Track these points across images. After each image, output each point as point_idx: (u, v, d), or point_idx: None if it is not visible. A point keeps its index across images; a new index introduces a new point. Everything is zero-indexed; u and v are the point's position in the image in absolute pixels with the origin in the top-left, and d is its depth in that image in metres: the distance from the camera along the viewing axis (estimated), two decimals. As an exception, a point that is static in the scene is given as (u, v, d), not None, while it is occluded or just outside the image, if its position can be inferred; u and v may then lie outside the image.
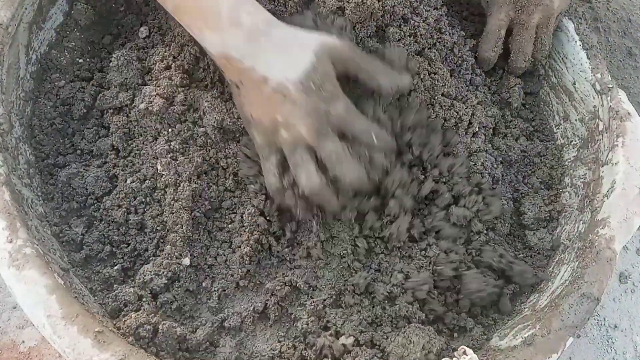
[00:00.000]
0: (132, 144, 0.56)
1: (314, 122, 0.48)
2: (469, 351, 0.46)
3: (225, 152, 0.54)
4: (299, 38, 0.50)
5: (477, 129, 0.59)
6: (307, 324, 0.50)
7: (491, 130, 0.62)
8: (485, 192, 0.57)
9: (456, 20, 0.63)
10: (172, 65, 0.55)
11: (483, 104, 0.62)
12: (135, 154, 0.55)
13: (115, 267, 0.51)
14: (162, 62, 0.56)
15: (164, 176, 0.53)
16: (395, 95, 0.53)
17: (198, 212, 0.52)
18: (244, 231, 0.52)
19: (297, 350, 0.49)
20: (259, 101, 0.49)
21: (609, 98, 0.58)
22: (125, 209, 0.53)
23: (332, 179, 0.50)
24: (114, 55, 0.57)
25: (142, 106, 0.54)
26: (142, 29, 0.59)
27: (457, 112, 0.57)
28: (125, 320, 0.47)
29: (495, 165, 0.61)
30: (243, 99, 0.51)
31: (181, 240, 0.51)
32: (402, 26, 0.56)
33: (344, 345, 0.48)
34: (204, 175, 0.53)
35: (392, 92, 0.52)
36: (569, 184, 0.61)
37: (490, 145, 0.62)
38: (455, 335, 0.53)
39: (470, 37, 0.64)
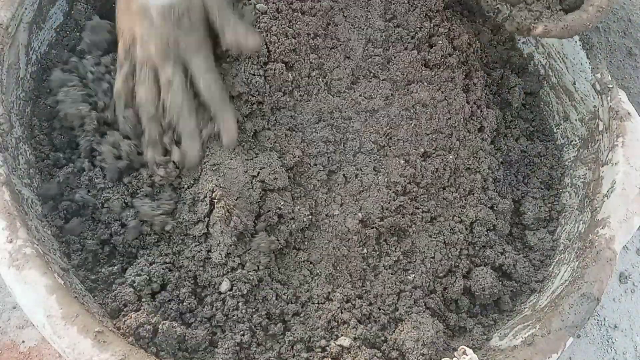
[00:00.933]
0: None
1: (162, 45, 0.53)
2: (469, 351, 0.46)
3: None
4: None
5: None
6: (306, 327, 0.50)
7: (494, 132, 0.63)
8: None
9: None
10: None
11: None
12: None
13: (115, 267, 0.51)
14: None
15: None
16: (236, 53, 0.55)
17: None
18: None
19: (294, 349, 0.49)
20: (127, 15, 0.54)
21: (609, 98, 0.58)
22: (124, 209, 0.53)
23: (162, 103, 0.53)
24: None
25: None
26: None
27: None
28: (125, 320, 0.47)
29: (497, 167, 0.61)
30: (119, 12, 0.56)
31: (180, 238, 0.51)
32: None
33: (340, 346, 0.48)
34: None
35: (232, 47, 0.54)
36: (569, 184, 0.61)
37: (492, 145, 0.62)
38: (455, 335, 0.53)
39: (474, 36, 0.64)
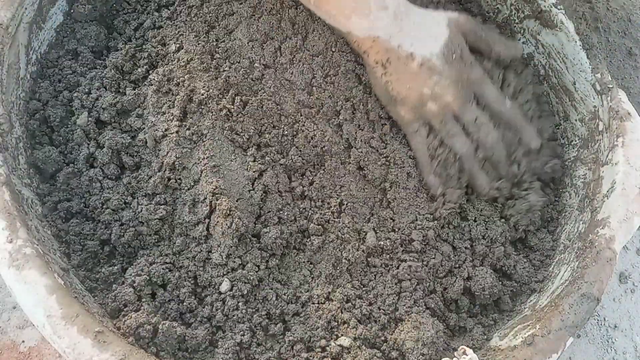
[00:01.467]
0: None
1: (459, 90, 0.54)
2: (469, 351, 0.46)
3: None
4: (431, 16, 0.56)
5: None
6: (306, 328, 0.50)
7: None
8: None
9: None
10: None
11: None
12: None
13: (115, 267, 0.51)
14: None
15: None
16: (509, 61, 0.60)
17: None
18: None
19: (294, 349, 0.49)
20: (405, 78, 0.54)
21: (609, 98, 0.58)
22: (124, 209, 0.53)
23: (476, 142, 0.56)
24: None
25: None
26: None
27: None
28: (125, 320, 0.47)
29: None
30: (389, 78, 0.54)
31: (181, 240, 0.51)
32: None
33: (340, 346, 0.48)
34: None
35: (509, 58, 0.59)
36: (569, 184, 0.61)
37: None
38: (455, 335, 0.53)
39: None
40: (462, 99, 0.54)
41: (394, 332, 0.50)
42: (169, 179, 0.53)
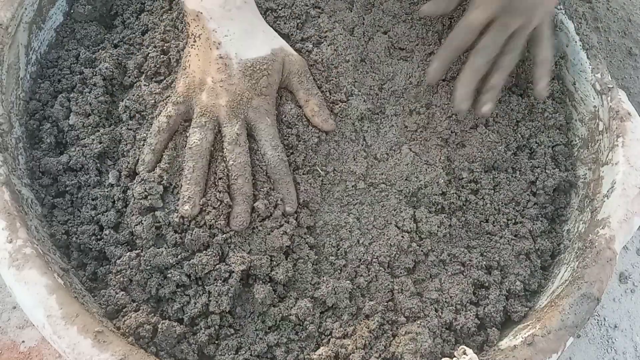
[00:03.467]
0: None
1: (235, 101, 0.53)
2: (469, 351, 0.46)
3: None
4: (266, 31, 0.56)
5: None
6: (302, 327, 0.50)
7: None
8: None
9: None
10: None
11: None
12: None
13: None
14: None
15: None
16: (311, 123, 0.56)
17: None
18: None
19: (290, 352, 0.49)
20: (203, 59, 0.54)
21: (609, 98, 0.58)
22: (124, 208, 0.53)
23: (219, 158, 0.53)
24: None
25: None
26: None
27: None
28: (125, 320, 0.47)
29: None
30: (192, 50, 0.55)
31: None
32: None
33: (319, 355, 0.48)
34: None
35: (312, 120, 0.56)
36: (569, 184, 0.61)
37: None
38: (456, 336, 0.53)
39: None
40: (233, 111, 0.53)
41: (390, 344, 0.49)
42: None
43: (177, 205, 0.51)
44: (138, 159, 0.54)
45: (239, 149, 0.52)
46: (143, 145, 0.54)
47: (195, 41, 0.55)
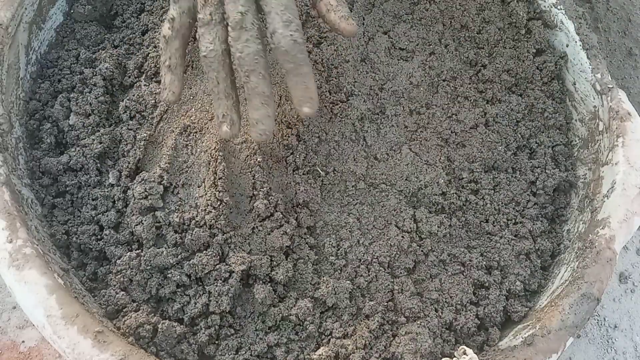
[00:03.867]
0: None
1: None
2: (469, 351, 0.46)
3: None
4: None
5: None
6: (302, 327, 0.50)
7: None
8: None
9: None
10: None
11: None
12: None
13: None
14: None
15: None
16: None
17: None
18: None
19: (290, 352, 0.49)
20: None
21: (609, 98, 0.58)
22: (124, 208, 0.53)
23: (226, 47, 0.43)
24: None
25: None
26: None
27: None
28: (125, 320, 0.47)
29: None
30: None
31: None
32: None
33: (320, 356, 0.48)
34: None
35: (328, 16, 0.45)
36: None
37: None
38: (457, 336, 0.53)
39: (468, 64, 0.64)
40: None
41: (390, 344, 0.49)
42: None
43: (216, 129, 0.42)
44: (139, 158, 0.54)
45: (247, 34, 0.41)
46: (143, 144, 0.54)
47: None
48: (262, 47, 0.41)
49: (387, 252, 0.53)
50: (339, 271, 0.53)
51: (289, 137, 0.55)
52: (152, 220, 0.51)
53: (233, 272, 0.49)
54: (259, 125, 0.42)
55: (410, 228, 0.54)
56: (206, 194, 0.52)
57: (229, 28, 0.42)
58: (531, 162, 0.60)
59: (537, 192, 0.59)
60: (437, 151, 0.59)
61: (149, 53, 0.59)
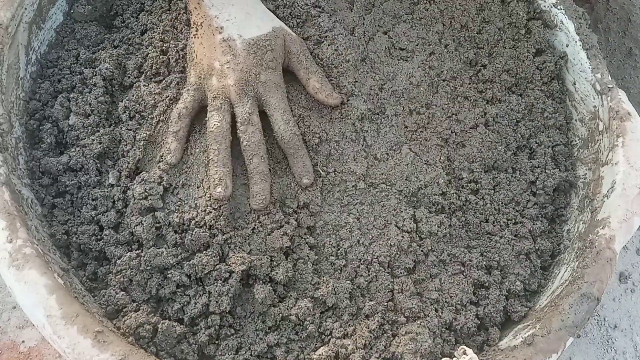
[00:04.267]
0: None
1: (243, 79, 0.53)
2: (469, 351, 0.46)
3: None
4: (265, 12, 0.57)
5: None
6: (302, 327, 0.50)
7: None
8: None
9: None
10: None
11: None
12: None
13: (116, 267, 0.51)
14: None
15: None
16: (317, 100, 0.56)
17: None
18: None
19: (290, 352, 0.49)
20: (207, 45, 0.55)
21: (609, 98, 0.58)
22: (124, 208, 0.53)
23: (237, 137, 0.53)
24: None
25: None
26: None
27: None
28: (125, 320, 0.47)
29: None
30: (196, 40, 0.56)
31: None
32: None
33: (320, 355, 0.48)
34: None
35: (316, 97, 0.56)
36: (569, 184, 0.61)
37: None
38: (457, 336, 0.53)
39: (468, 64, 0.64)
40: (241, 89, 0.53)
41: (390, 344, 0.49)
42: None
43: (209, 190, 0.51)
44: (139, 159, 0.54)
45: (252, 128, 0.53)
46: (143, 145, 0.54)
47: (197, 30, 0.56)
48: (262, 137, 0.53)
49: (387, 252, 0.53)
50: (339, 271, 0.53)
51: None
52: (152, 220, 0.51)
53: (233, 272, 0.49)
54: (258, 196, 0.52)
55: (410, 228, 0.54)
56: (206, 194, 0.52)
57: (238, 123, 0.53)
58: (531, 162, 0.60)
59: (537, 192, 0.59)
60: (437, 151, 0.59)
61: (148, 53, 0.59)
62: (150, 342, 0.46)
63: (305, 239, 0.53)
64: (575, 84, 0.63)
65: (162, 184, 0.52)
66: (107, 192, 0.53)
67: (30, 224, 0.48)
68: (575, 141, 0.62)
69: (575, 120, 0.63)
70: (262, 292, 0.49)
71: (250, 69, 0.54)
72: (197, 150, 0.54)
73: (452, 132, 0.60)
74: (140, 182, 0.52)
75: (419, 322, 0.50)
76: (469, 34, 0.65)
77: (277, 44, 0.55)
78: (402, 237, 0.54)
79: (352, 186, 0.56)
